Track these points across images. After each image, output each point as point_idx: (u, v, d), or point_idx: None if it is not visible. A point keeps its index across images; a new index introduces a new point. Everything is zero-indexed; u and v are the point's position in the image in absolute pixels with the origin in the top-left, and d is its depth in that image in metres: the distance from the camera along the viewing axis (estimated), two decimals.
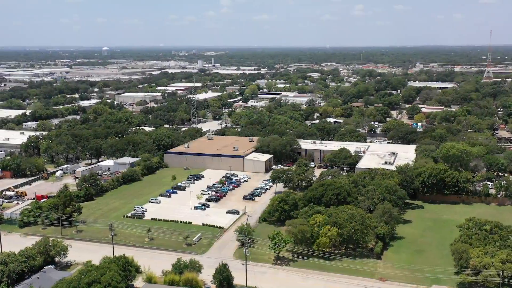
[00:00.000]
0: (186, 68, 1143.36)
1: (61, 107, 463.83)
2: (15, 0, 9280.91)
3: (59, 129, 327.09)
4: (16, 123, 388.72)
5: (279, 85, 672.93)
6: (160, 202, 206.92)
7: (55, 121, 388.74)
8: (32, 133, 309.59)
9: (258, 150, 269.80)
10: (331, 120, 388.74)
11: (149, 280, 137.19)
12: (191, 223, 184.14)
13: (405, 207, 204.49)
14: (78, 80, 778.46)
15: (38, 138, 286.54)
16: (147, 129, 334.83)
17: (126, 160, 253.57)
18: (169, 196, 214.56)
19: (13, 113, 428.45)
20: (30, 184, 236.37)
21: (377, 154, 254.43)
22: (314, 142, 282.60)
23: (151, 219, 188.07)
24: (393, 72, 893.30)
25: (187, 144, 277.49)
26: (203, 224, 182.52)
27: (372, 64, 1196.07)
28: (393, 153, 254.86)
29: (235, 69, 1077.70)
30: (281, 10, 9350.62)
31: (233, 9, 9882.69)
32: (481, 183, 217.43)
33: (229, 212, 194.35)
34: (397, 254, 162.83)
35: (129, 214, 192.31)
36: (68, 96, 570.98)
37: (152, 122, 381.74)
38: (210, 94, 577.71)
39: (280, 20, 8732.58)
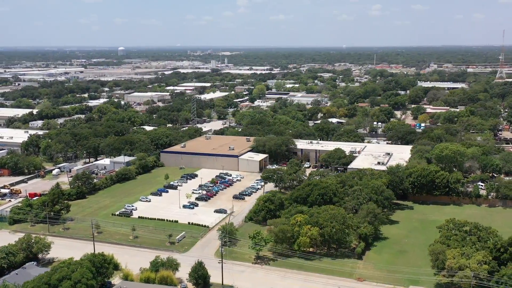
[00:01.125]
0: (199, 68, 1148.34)
1: (68, 106, 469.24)
2: (35, 1, 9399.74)
3: (62, 128, 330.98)
4: (23, 122, 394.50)
5: (288, 85, 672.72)
6: (150, 201, 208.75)
7: (61, 120, 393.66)
8: (37, 132, 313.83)
9: (254, 150, 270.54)
10: (335, 120, 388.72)
11: (126, 277, 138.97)
12: (177, 221, 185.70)
13: (395, 207, 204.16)
14: (89, 79, 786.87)
15: (39, 137, 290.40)
16: (148, 128, 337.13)
17: (122, 159, 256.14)
18: (160, 195, 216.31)
19: (21, 112, 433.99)
20: (26, 182, 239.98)
21: (372, 155, 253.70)
22: (311, 142, 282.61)
23: (139, 217, 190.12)
24: (405, 73, 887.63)
25: (184, 144, 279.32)
26: (188, 223, 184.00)
27: (386, 64, 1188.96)
28: (388, 154, 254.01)
29: (248, 69, 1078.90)
30: (298, 10, 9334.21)
31: (250, 9, 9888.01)
32: (473, 184, 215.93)
33: (216, 211, 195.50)
34: (379, 255, 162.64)
35: (117, 212, 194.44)
36: (77, 95, 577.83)
37: (155, 121, 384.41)
38: (218, 94, 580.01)
39: (296, 20, 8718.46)
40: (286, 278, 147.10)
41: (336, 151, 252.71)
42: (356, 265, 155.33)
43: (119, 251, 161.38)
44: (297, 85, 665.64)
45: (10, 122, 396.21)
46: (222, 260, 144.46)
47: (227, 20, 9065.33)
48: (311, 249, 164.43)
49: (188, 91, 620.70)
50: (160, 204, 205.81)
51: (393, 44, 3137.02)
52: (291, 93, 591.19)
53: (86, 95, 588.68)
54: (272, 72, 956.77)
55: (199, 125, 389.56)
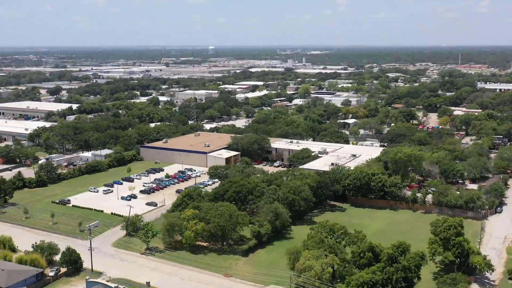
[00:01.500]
0: (275, 67, 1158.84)
1: (110, 103, 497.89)
2: (142, 2, 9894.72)
3: (62, 122, 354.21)
4: (60, 116, 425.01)
5: (341, 85, 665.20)
6: (97, 192, 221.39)
7: (91, 115, 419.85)
8: (44, 125, 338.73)
9: (229, 147, 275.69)
10: (352, 121, 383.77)
11: (4, 257, 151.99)
12: (102, 211, 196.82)
13: (327, 208, 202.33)
14: (153, 77, 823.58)
15: (44, 129, 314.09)
16: (152, 125, 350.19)
17: (102, 152, 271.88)
18: (112, 187, 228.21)
19: (65, 106, 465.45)
20: (11, 170, 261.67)
21: (338, 156, 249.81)
22: (291, 142, 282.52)
23: (73, 206, 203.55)
24: (480, 73, 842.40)
25: (166, 139, 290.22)
26: (111, 213, 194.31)
27: (468, 64, 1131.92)
28: (354, 155, 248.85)
29: (321, 68, 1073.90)
30: (400, 8, 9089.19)
31: (350, 7, 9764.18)
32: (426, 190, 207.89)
33: (147, 204, 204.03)
34: (269, 254, 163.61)
35: (57, 201, 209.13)
36: (135, 92, 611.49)
37: (176, 118, 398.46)
38: (263, 93, 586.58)
39: (399, 18, 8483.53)
40: (156, 270, 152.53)
41: (302, 151, 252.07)
42: (237, 262, 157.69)
43: (35, 236, 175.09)
44: (348, 85, 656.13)
45: (49, 116, 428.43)
46: (91, 247, 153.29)
47: (327, 18, 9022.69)
48: (205, 244, 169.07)
49: (238, 90, 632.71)
50: (104, 195, 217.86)
51: (504, 43, 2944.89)
52: (338, 93, 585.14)
53: (137, 92, 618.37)
54: (341, 71, 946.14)
55: (223, 123, 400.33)
